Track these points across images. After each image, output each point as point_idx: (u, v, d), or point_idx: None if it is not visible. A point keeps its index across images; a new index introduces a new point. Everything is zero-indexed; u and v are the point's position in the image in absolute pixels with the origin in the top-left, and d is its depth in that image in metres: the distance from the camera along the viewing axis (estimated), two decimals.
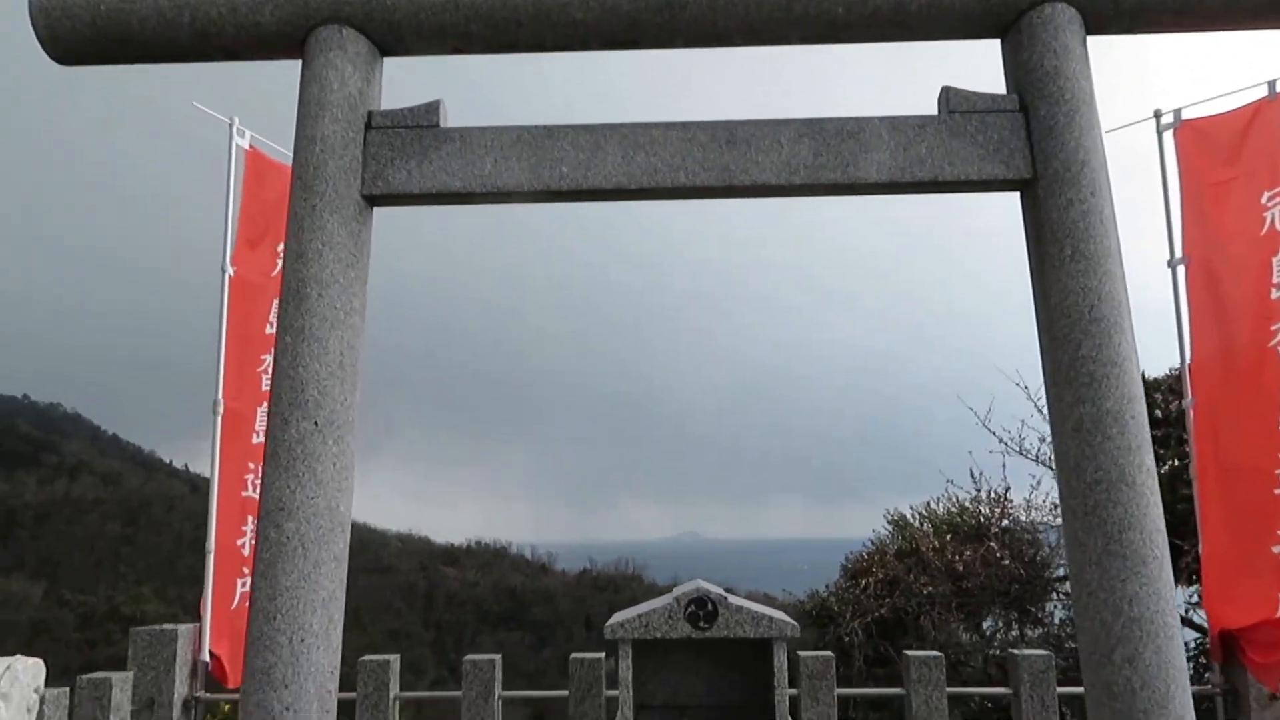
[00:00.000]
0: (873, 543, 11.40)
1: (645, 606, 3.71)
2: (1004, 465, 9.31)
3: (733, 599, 3.56)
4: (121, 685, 4.01)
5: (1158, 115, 5.43)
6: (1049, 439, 9.45)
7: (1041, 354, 3.52)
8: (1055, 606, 9.26)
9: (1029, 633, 9.35)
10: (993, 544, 8.46)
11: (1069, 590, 9.30)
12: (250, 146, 5.19)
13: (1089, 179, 3.42)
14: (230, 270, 4.93)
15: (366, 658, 4.45)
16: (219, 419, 4.76)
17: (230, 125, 5.14)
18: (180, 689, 4.48)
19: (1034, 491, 9.50)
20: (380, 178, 3.56)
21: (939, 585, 9.04)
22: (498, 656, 4.59)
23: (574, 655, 4.47)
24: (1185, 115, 5.32)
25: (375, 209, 3.66)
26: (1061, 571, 9.47)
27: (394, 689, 4.40)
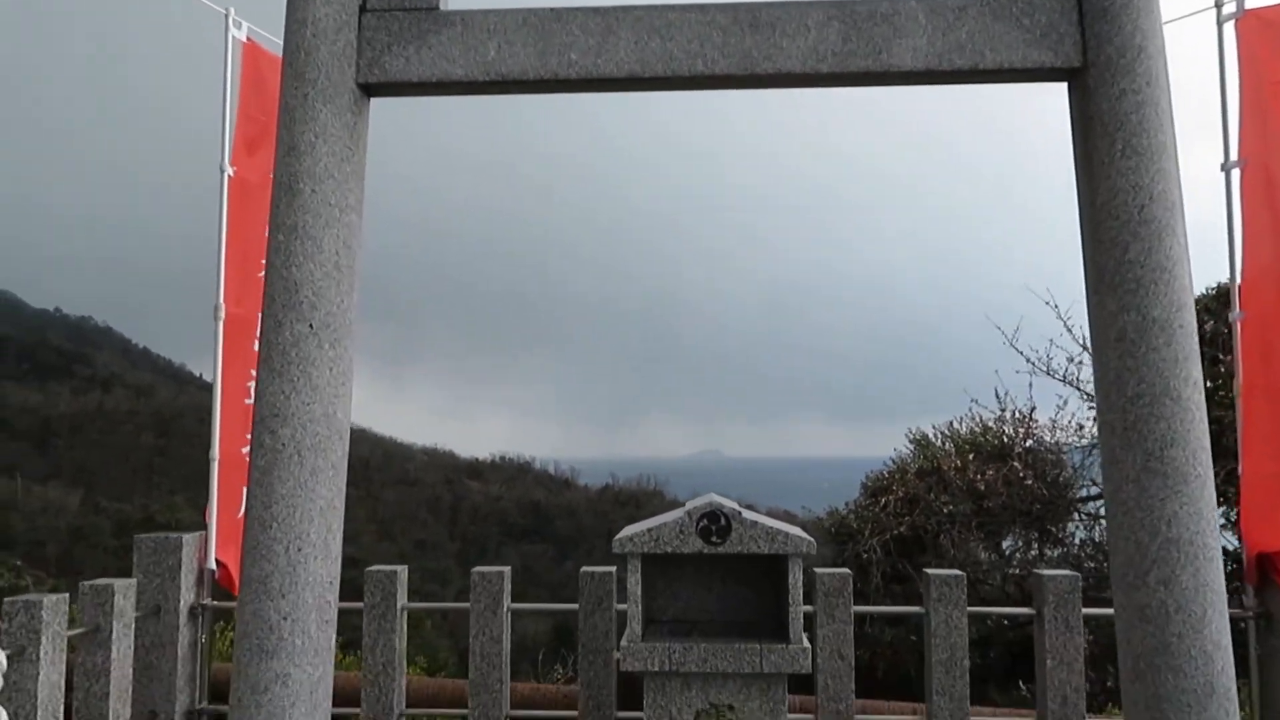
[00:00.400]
0: (894, 461, 11.28)
1: (656, 520, 3.58)
2: (1030, 385, 9.09)
3: (747, 514, 3.40)
4: (125, 592, 3.96)
5: (1219, 4, 5.03)
6: (1077, 359, 9.14)
7: (1084, 259, 3.27)
8: (1076, 527, 9.14)
9: (1048, 552, 9.25)
10: (1016, 464, 8.29)
11: (1091, 511, 9.18)
12: (247, 39, 4.94)
13: (1145, 67, 3.12)
14: (230, 170, 4.73)
15: (373, 568, 4.38)
16: (220, 325, 4.63)
17: (226, 16, 4.89)
18: (186, 596, 4.45)
19: (1060, 412, 9.28)
20: (376, 65, 3.32)
21: (959, 504, 8.93)
22: (506, 569, 4.51)
23: (584, 569, 4.38)
24: (1249, 4, 4.92)
25: (373, 100, 3.43)
26: (1084, 492, 9.32)
27: (401, 599, 4.33)
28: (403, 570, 4.42)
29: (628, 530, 3.51)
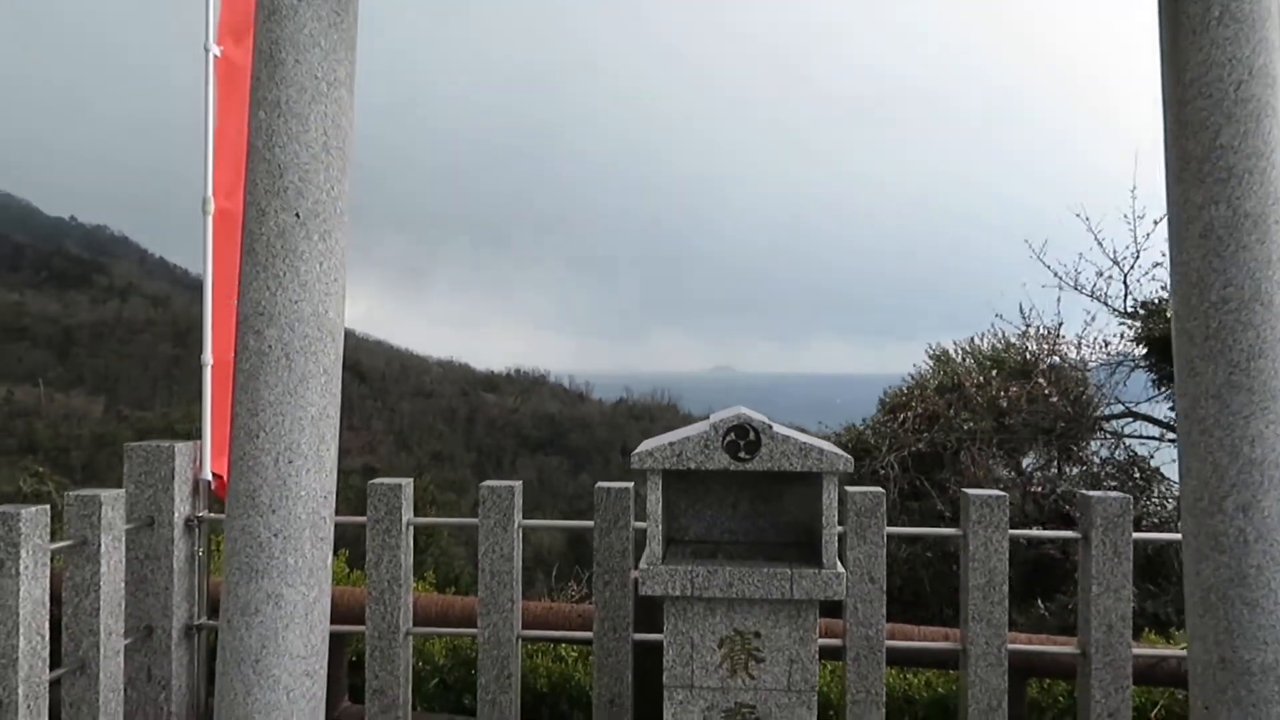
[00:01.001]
0: (913, 377, 11.02)
1: (679, 434, 3.28)
2: (1059, 300, 8.75)
3: (778, 428, 3.11)
4: (112, 503, 3.73)
5: None
6: (1106, 272, 8.76)
7: (1165, 146, 2.90)
8: (1100, 445, 8.87)
9: (1068, 470, 9.02)
10: (1041, 380, 7.98)
11: (1114, 429, 8.88)
12: None
13: None
14: (215, 50, 4.34)
15: (377, 480, 4.13)
16: (209, 219, 4.30)
17: None
18: (181, 508, 4.23)
19: (1087, 328, 8.95)
20: None
21: (980, 421, 8.67)
22: (518, 483, 4.25)
23: (599, 485, 4.12)
24: None
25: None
26: (1108, 410, 9.02)
27: (407, 514, 4.10)
28: (408, 484, 4.17)
29: (647, 444, 3.22)
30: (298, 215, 2.80)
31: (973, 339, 11.07)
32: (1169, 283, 2.92)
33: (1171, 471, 7.87)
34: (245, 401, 2.79)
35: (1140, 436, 8.26)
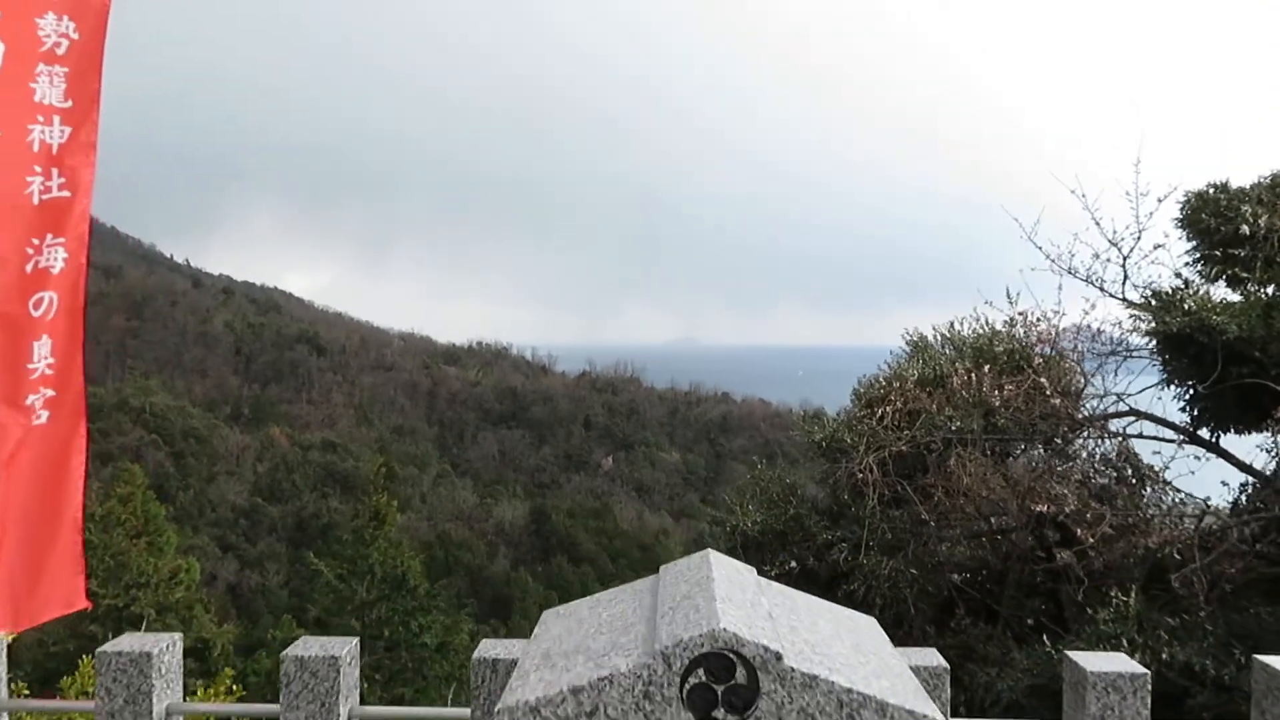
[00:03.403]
0: (889, 366, 10.34)
1: (588, 663, 1.89)
2: (1060, 287, 8.06)
3: (790, 657, 1.76)
4: None
5: None
6: (1103, 255, 8.07)
7: None
8: (1086, 440, 8.20)
9: (1056, 466, 8.39)
10: (1043, 380, 7.33)
11: (1115, 429, 8.21)
12: None
13: None
14: None
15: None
16: None
17: None
18: None
19: (1086, 316, 8.26)
20: None
21: (966, 419, 8.01)
22: (350, 643, 3.42)
23: (476, 656, 3.21)
24: None
25: None
26: (1098, 405, 8.38)
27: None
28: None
29: (526, 688, 1.89)
30: None
31: (952, 324, 10.39)
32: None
33: (1182, 482, 7.21)
34: None
35: (1144, 437, 7.63)
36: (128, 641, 3.57)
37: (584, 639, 2.07)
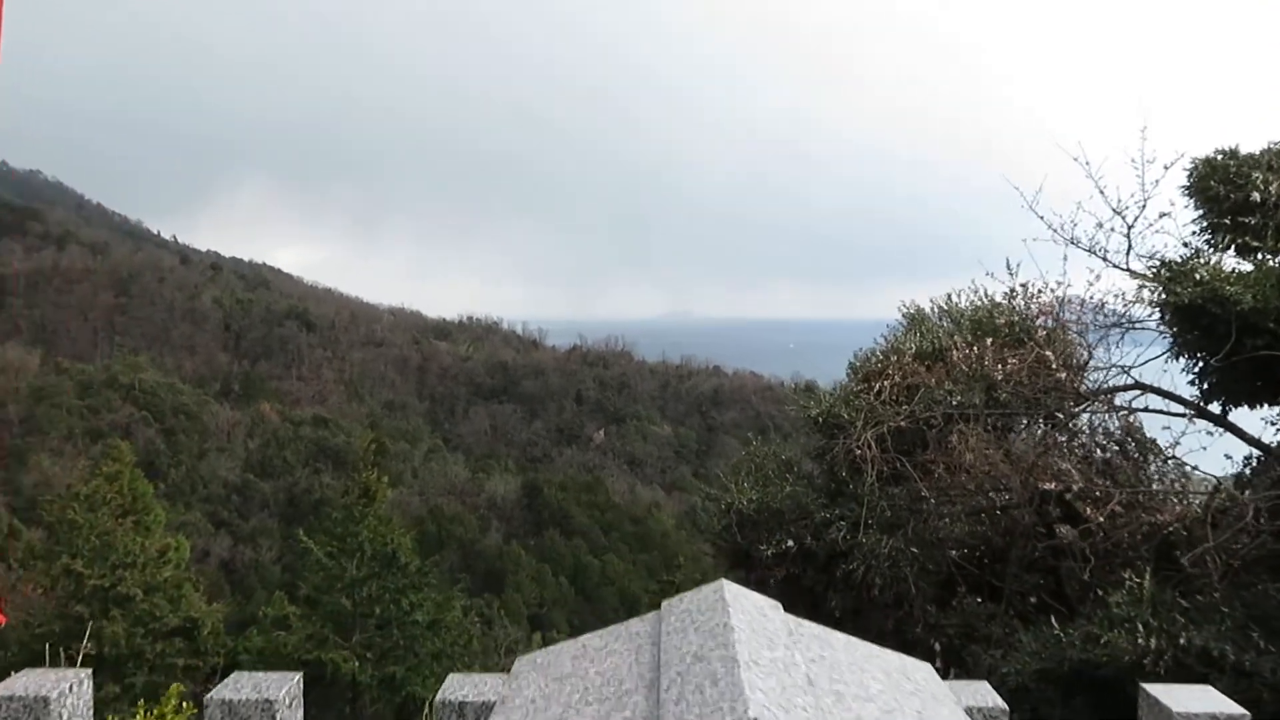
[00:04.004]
0: (886, 339, 10.10)
1: None
2: (1065, 258, 7.81)
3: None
4: None
5: None
6: (1106, 224, 7.81)
7: None
8: (1088, 414, 7.99)
9: (1059, 439, 8.18)
10: (1049, 353, 7.10)
11: (1123, 403, 7.98)
12: None
13: None
14: None
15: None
16: None
17: None
18: None
19: (1091, 288, 8.02)
20: None
21: (967, 393, 7.78)
22: None
23: None
24: None
25: None
26: (1103, 378, 8.17)
27: None
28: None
29: None
30: None
31: (950, 296, 10.15)
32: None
33: (1192, 457, 7.00)
34: None
35: (1151, 411, 7.40)
36: (23, 683, 2.91)
37: (565, 711, 1.64)
